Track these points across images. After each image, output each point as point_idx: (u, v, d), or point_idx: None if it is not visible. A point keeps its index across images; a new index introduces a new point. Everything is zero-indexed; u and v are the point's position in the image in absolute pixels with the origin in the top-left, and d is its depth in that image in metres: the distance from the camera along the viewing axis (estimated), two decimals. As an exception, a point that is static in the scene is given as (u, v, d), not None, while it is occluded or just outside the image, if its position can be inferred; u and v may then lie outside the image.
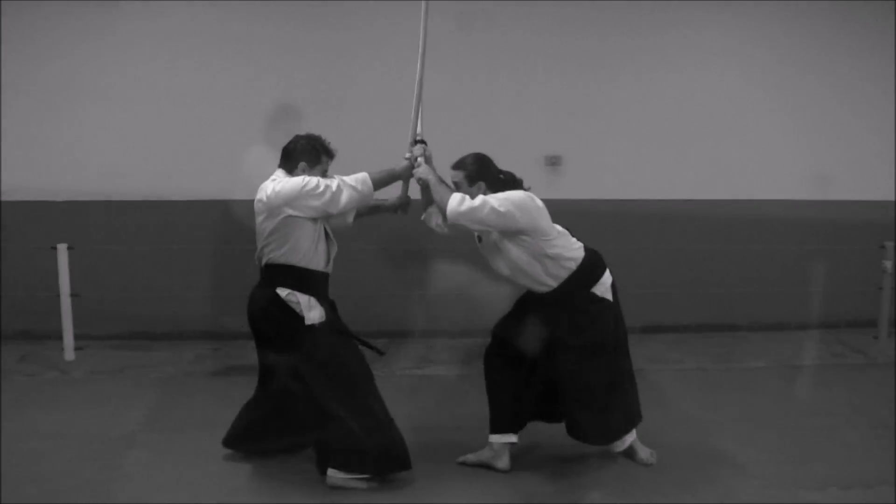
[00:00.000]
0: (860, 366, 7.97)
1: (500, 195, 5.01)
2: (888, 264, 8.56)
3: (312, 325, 5.07)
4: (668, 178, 8.82)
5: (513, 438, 5.44)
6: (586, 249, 5.26)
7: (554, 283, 5.16)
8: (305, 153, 5.14)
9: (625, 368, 5.45)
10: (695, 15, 8.79)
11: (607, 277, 5.29)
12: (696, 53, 8.82)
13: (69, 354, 7.82)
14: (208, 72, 8.32)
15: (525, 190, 5.20)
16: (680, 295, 8.98)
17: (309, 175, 5.04)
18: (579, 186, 8.64)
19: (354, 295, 6.53)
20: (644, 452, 5.57)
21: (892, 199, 9.08)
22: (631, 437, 5.52)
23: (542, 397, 5.46)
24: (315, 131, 5.24)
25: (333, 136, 5.32)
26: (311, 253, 5.09)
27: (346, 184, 5.01)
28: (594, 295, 5.21)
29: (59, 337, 7.88)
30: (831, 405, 6.76)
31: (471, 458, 5.52)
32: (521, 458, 5.54)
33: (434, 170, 5.24)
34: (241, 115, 8.26)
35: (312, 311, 5.07)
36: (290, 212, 4.94)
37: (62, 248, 7.63)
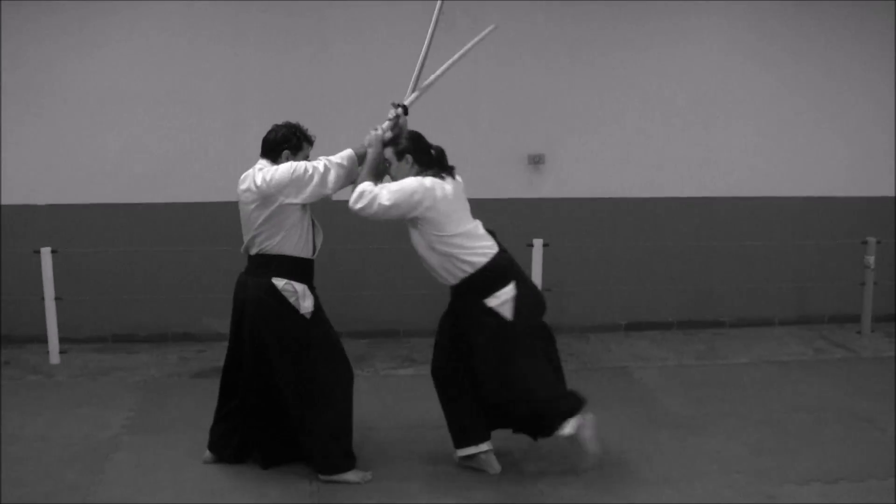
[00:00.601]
0: (843, 361, 7.98)
1: (395, 184, 5.04)
2: (870, 259, 8.61)
3: (304, 316, 5.12)
4: (652, 175, 8.82)
5: (476, 449, 5.37)
6: (499, 258, 5.15)
7: (452, 280, 5.17)
8: (287, 141, 5.22)
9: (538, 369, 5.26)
10: (684, 7, 8.78)
11: (507, 291, 5.07)
12: (682, 49, 8.79)
13: (54, 358, 7.80)
14: (192, 74, 8.29)
15: (446, 176, 5.16)
16: (663, 292, 8.99)
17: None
18: (562, 185, 8.66)
19: (337, 295, 6.53)
20: (591, 445, 5.22)
21: (873, 195, 9.12)
22: (575, 423, 5.15)
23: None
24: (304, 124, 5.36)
25: (323, 126, 5.55)
26: (301, 242, 5.15)
27: (332, 163, 5.11)
28: (485, 305, 5.06)
29: (42, 340, 7.87)
30: (815, 400, 6.78)
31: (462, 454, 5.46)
32: (504, 457, 5.53)
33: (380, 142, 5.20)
34: (225, 118, 8.25)
35: (306, 301, 5.14)
36: (284, 199, 5.01)
37: (46, 252, 7.61)
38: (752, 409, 6.57)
